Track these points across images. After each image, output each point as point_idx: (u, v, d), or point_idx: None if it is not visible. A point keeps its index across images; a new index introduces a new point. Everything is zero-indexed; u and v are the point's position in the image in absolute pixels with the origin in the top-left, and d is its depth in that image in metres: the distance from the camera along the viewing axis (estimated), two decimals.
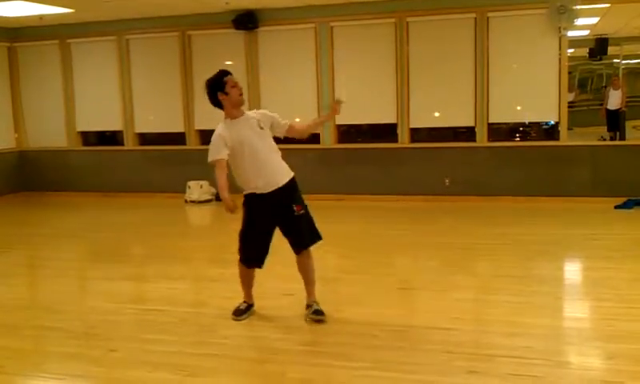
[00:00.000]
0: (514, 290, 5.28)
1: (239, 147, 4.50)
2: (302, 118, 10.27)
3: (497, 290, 5.38)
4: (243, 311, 4.82)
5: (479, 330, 4.55)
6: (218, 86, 4.53)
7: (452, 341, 4.16)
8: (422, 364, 3.83)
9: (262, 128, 4.62)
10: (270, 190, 4.55)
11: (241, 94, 4.59)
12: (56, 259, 7.07)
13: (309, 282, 4.79)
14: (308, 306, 4.73)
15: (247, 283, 4.85)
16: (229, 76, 4.58)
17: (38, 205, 10.78)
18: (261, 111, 4.84)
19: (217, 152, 4.49)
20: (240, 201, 4.56)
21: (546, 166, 9.15)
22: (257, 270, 4.80)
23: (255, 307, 4.89)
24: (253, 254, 4.69)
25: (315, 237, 4.71)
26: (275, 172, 4.62)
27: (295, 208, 4.60)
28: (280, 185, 4.58)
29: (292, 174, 4.69)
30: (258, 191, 4.56)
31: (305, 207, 4.67)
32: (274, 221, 4.64)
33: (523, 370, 3.66)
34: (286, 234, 4.70)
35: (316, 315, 4.64)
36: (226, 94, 4.51)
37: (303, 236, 4.66)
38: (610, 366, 3.76)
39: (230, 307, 4.99)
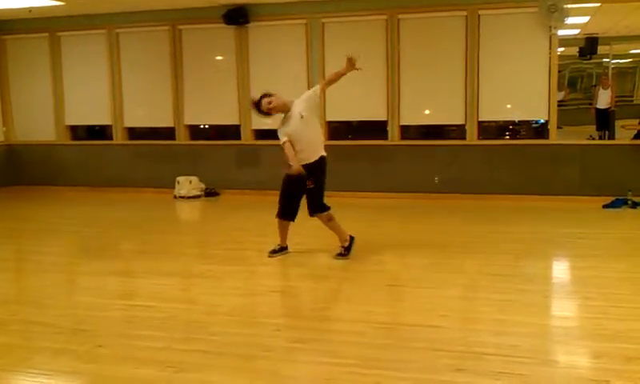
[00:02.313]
0: (501, 288, 5.30)
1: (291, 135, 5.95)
2: None
3: (485, 288, 5.40)
4: (277, 251, 6.30)
5: (467, 327, 4.56)
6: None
7: (439, 338, 4.17)
8: (408, 362, 3.83)
9: (302, 117, 5.93)
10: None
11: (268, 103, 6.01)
12: (44, 254, 7.03)
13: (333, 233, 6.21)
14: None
15: (282, 232, 6.28)
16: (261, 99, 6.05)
17: (26, 199, 10.71)
18: (304, 97, 6.10)
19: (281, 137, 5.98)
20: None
21: (535, 164, 9.18)
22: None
23: (289, 250, 6.36)
24: (286, 209, 6.14)
25: (317, 209, 6.05)
26: (308, 152, 5.97)
27: (307, 182, 5.93)
28: (308, 162, 5.92)
29: (319, 155, 6.00)
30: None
31: (317, 184, 5.98)
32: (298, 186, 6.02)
33: (510, 369, 3.67)
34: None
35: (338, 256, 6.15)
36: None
37: (310, 205, 6.07)
38: (597, 365, 3.78)
39: (219, 304, 5.03)
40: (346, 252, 6.16)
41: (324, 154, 6.10)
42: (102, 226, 8.51)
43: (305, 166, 5.91)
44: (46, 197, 10.73)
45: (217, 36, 10.32)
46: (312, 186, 5.97)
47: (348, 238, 6.19)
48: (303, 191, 6.04)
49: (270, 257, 6.25)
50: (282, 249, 6.35)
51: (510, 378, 3.58)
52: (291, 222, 6.24)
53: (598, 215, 8.28)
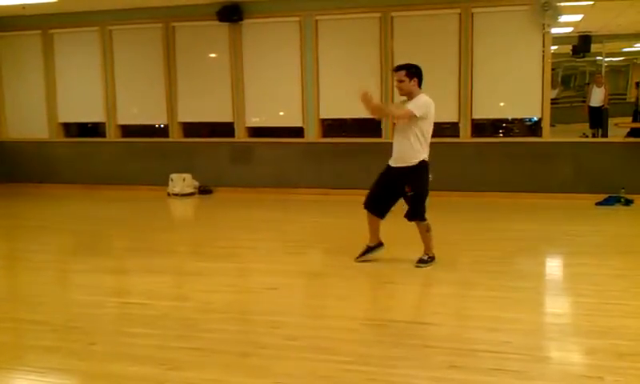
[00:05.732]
0: (495, 285, 5.31)
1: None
2: (285, 112, 10.37)
3: (478, 285, 5.40)
4: (364, 253, 5.95)
5: (460, 324, 4.56)
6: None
7: (433, 335, 4.18)
8: (402, 358, 3.84)
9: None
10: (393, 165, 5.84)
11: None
12: (36, 251, 7.00)
13: (422, 241, 5.81)
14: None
15: (371, 228, 6.02)
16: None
17: (18, 196, 10.66)
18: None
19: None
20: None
21: (529, 162, 9.20)
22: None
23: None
24: (371, 202, 5.93)
25: (414, 216, 5.73)
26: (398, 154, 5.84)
27: (406, 189, 5.66)
28: (403, 164, 5.72)
29: (413, 162, 5.66)
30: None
31: (417, 190, 5.64)
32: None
33: (504, 365, 3.68)
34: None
35: (419, 263, 5.76)
36: None
37: (408, 211, 5.75)
38: (590, 362, 3.79)
39: (212, 301, 5.00)
40: (428, 260, 5.83)
41: (424, 157, 5.70)
42: (95, 223, 8.49)
43: (400, 169, 5.74)
44: (39, 194, 10.69)
45: (210, 33, 10.29)
46: (411, 193, 5.67)
47: (433, 253, 5.87)
48: (400, 193, 5.76)
49: (358, 261, 5.94)
50: (370, 249, 6.03)
51: (504, 374, 3.59)
52: (380, 220, 5.96)
53: (591, 213, 8.31)
